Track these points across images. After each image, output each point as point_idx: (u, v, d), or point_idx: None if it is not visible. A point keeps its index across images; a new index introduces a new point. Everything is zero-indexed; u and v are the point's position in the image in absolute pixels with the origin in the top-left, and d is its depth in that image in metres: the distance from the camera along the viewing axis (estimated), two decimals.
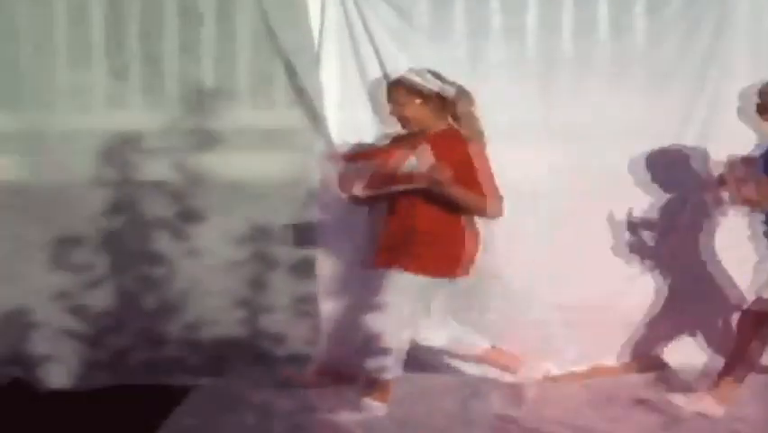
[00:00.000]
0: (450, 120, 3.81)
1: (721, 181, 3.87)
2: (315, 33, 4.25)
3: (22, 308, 4.26)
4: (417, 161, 3.59)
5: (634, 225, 4.25)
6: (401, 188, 3.63)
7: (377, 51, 4.24)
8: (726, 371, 3.83)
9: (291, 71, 4.20)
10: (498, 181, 3.66)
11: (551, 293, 4.18)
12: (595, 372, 4.27)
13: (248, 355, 4.26)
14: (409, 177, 3.62)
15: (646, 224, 4.27)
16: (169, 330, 4.29)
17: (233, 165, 4.13)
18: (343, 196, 3.82)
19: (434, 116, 3.78)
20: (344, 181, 3.79)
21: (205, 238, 4.21)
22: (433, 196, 3.61)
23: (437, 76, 3.81)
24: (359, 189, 3.70)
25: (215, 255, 4.21)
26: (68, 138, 4.04)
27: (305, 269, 4.23)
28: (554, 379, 4.20)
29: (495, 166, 3.69)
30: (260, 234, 4.21)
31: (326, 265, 4.25)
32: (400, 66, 4.19)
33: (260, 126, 4.16)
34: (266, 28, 4.20)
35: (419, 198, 3.65)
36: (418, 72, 3.82)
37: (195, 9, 4.23)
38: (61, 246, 4.25)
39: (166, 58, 4.24)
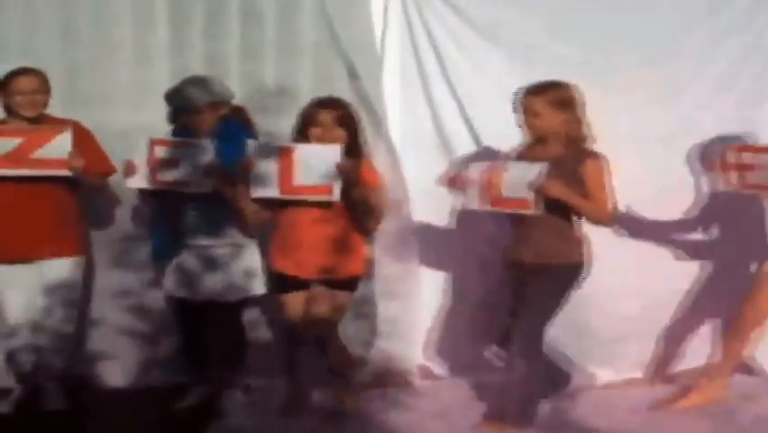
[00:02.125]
0: None
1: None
2: (378, 35, 4.27)
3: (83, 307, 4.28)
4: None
5: None
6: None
7: (437, 53, 4.25)
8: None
9: (353, 72, 4.22)
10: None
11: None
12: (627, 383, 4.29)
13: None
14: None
15: None
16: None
17: None
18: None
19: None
20: None
21: None
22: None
23: None
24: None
25: None
26: (128, 136, 4.05)
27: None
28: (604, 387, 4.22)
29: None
30: None
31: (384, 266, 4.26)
32: (460, 68, 4.23)
33: None
34: (328, 29, 4.22)
35: None
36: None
37: (257, 10, 4.24)
38: (121, 245, 4.29)
39: (228, 58, 4.26)
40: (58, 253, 3.96)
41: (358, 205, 3.69)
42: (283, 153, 3.66)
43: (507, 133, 3.82)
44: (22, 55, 4.08)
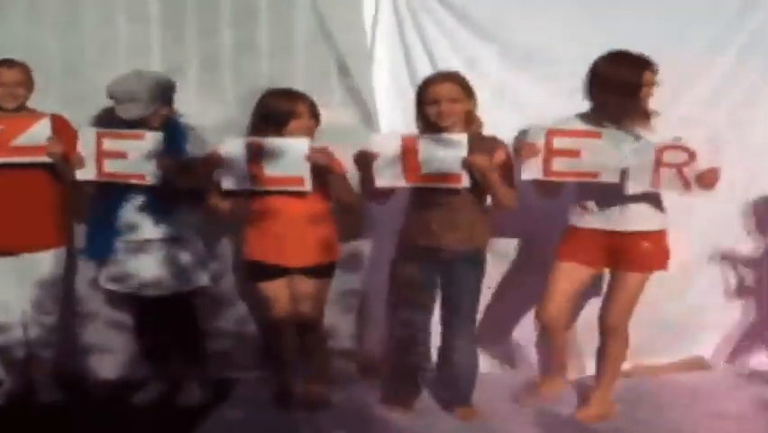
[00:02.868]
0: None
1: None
2: (368, 31, 4.28)
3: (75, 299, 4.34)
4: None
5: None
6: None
7: (429, 52, 4.26)
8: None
9: (345, 71, 4.25)
10: None
11: None
12: (637, 370, 4.30)
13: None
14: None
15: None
16: (218, 324, 4.33)
17: None
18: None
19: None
20: None
21: None
22: None
23: None
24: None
25: None
26: None
27: (352, 263, 4.25)
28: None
29: None
30: None
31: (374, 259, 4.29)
32: (453, 66, 4.23)
33: None
34: (320, 26, 4.24)
35: None
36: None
37: (250, 7, 4.26)
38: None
39: (221, 55, 4.29)
40: (39, 244, 3.98)
41: (333, 192, 3.79)
42: (253, 147, 3.71)
43: (497, 131, 3.83)
44: (17, 51, 4.08)
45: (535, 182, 3.73)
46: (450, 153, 3.62)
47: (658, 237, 3.74)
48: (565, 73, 3.95)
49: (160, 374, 4.15)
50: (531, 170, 3.66)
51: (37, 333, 4.03)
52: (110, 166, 3.86)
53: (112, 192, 3.95)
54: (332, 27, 4.23)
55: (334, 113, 4.10)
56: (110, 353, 4.34)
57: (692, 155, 3.56)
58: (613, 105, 3.64)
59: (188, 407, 4.00)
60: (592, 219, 3.76)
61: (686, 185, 3.60)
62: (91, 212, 4.06)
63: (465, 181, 3.63)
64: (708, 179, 3.58)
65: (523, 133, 3.77)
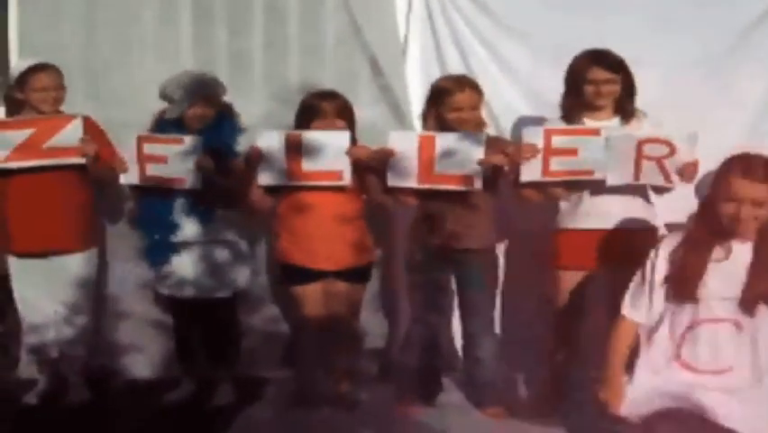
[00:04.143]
0: None
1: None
2: (401, 30, 4.26)
3: (109, 298, 4.36)
4: None
5: None
6: None
7: (460, 49, 4.23)
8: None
9: (376, 68, 4.23)
10: None
11: None
12: None
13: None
14: None
15: None
16: (250, 322, 4.31)
17: None
18: None
19: None
20: None
21: None
22: None
23: None
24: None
25: None
26: None
27: (382, 263, 4.22)
28: None
29: None
30: None
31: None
32: (484, 64, 4.19)
33: None
34: (351, 24, 4.22)
35: None
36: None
37: (280, 6, 4.26)
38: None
39: (251, 54, 4.29)
40: (69, 246, 4.00)
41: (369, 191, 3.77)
42: (290, 141, 3.68)
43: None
44: (46, 52, 4.11)
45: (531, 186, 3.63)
46: (468, 152, 3.58)
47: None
48: None
49: (193, 374, 4.15)
50: (530, 172, 3.58)
51: (69, 333, 4.05)
52: (152, 170, 3.88)
53: (158, 196, 3.96)
54: (363, 25, 4.22)
55: (366, 111, 4.06)
56: (142, 352, 4.36)
57: (672, 148, 3.49)
58: (563, 99, 3.66)
59: (220, 406, 4.00)
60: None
61: (666, 178, 3.53)
62: (143, 218, 4.07)
63: (478, 184, 3.59)
64: (688, 172, 3.50)
65: (517, 135, 3.75)
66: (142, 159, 3.87)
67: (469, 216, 3.69)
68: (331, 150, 3.67)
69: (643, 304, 2.92)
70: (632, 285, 2.97)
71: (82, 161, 3.88)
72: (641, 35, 3.97)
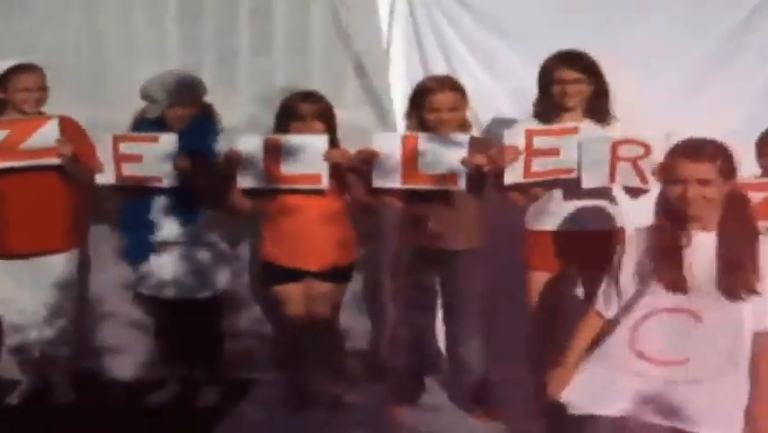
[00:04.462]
0: None
1: None
2: (384, 30, 4.27)
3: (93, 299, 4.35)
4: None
5: None
6: None
7: (445, 52, 4.24)
8: None
9: (361, 71, 4.24)
10: None
11: None
12: None
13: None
14: None
15: None
16: (236, 324, 4.32)
17: None
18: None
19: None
20: None
21: None
22: None
23: None
24: None
25: None
26: None
27: (369, 264, 4.23)
28: None
29: None
30: None
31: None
32: (468, 65, 4.20)
33: None
34: (336, 26, 4.23)
35: None
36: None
37: (267, 7, 4.27)
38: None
39: (238, 55, 4.30)
40: (51, 247, 3.98)
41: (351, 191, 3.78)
42: (269, 144, 3.69)
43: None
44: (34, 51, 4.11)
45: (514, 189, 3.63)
46: (450, 153, 3.59)
47: None
48: None
49: (177, 375, 4.14)
50: (513, 174, 3.56)
51: (51, 334, 4.04)
52: (128, 170, 3.86)
53: (139, 195, 3.96)
54: (348, 27, 4.24)
55: (350, 113, 4.07)
56: (126, 353, 4.34)
57: (647, 149, 3.48)
58: (536, 100, 3.69)
59: (205, 408, 3.99)
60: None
61: (642, 179, 3.51)
62: (123, 216, 4.07)
63: (462, 184, 3.60)
64: (665, 173, 3.51)
65: (493, 134, 3.75)
66: (118, 158, 3.84)
67: (452, 217, 3.69)
68: (309, 153, 3.67)
69: (613, 300, 2.93)
70: (603, 282, 2.97)
71: (58, 161, 3.85)
72: (632, 33, 4.01)
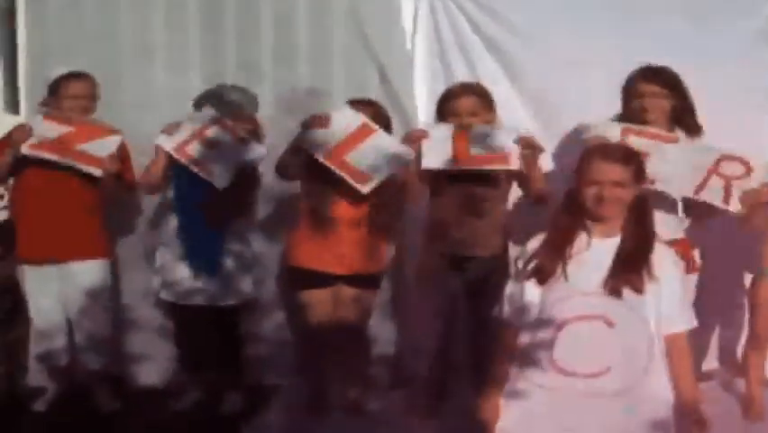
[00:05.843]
0: None
1: None
2: (408, 37, 4.28)
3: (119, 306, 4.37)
4: None
5: None
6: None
7: (466, 55, 4.24)
8: None
9: (384, 76, 4.25)
10: None
11: None
12: None
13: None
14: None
15: None
16: (259, 330, 4.33)
17: None
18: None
19: None
20: None
21: None
22: None
23: None
24: None
25: None
26: None
27: (396, 270, 4.23)
28: None
29: None
30: None
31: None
32: (490, 70, 4.20)
33: None
34: (359, 32, 4.25)
35: None
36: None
37: (288, 14, 4.28)
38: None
39: (260, 62, 4.30)
40: (86, 254, 4.00)
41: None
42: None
43: (537, 134, 3.84)
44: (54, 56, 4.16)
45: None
46: (502, 135, 3.63)
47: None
48: (604, 78, 3.88)
49: (200, 382, 4.14)
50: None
51: (83, 342, 4.05)
52: (194, 150, 3.85)
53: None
54: (371, 33, 4.25)
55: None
56: (152, 360, 4.35)
57: (749, 170, 3.47)
58: (619, 116, 3.68)
59: (228, 414, 4.00)
60: None
61: (726, 200, 3.48)
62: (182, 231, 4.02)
63: (514, 162, 3.60)
64: (751, 199, 3.47)
65: (586, 128, 3.69)
66: (198, 136, 3.85)
67: (476, 224, 3.69)
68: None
69: (517, 298, 2.93)
70: (507, 287, 3.00)
71: (99, 173, 3.88)
72: (659, 42, 3.99)
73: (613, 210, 2.84)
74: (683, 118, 3.63)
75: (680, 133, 3.63)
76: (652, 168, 3.40)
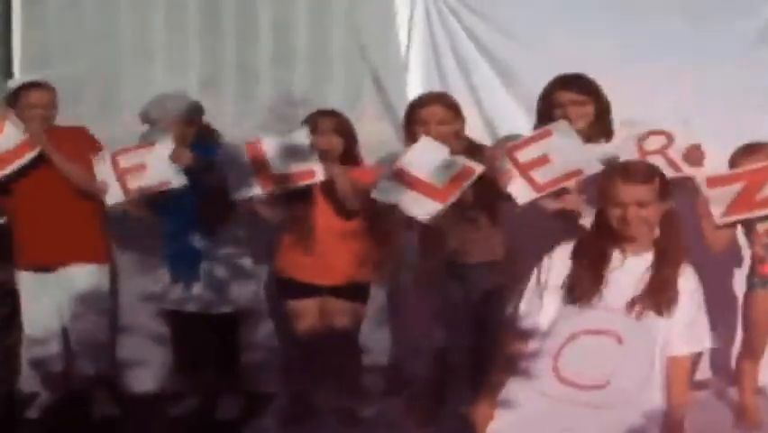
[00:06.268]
0: None
1: None
2: (403, 46, 4.31)
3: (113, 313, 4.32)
4: None
5: None
6: None
7: (463, 65, 4.27)
8: None
9: (379, 85, 4.28)
10: None
11: None
12: None
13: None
14: None
15: None
16: (256, 338, 4.32)
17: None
18: None
19: None
20: None
21: None
22: None
23: None
24: None
25: None
26: None
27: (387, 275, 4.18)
28: None
29: None
30: None
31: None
32: (486, 79, 4.24)
33: None
34: (356, 40, 4.28)
35: None
36: None
37: (288, 19, 4.32)
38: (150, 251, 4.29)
39: (258, 66, 4.34)
40: (84, 259, 3.97)
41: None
42: (252, 150, 3.64)
43: None
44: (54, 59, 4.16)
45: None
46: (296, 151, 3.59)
47: None
48: (603, 79, 3.81)
49: (196, 388, 4.12)
50: (522, 193, 3.40)
51: (79, 347, 4.02)
52: (133, 182, 3.82)
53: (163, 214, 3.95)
54: (367, 41, 4.29)
55: (370, 126, 4.10)
56: (147, 366, 4.31)
57: (670, 137, 3.50)
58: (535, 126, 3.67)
59: (224, 421, 3.98)
60: None
61: (675, 167, 3.47)
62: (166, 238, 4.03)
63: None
64: (693, 156, 3.48)
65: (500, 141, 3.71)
66: (121, 173, 3.81)
67: (469, 232, 3.68)
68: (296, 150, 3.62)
69: (535, 307, 2.93)
70: (526, 290, 2.99)
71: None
72: (654, 43, 4.03)
73: (639, 230, 2.85)
74: (602, 123, 3.64)
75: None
76: (563, 163, 3.39)
